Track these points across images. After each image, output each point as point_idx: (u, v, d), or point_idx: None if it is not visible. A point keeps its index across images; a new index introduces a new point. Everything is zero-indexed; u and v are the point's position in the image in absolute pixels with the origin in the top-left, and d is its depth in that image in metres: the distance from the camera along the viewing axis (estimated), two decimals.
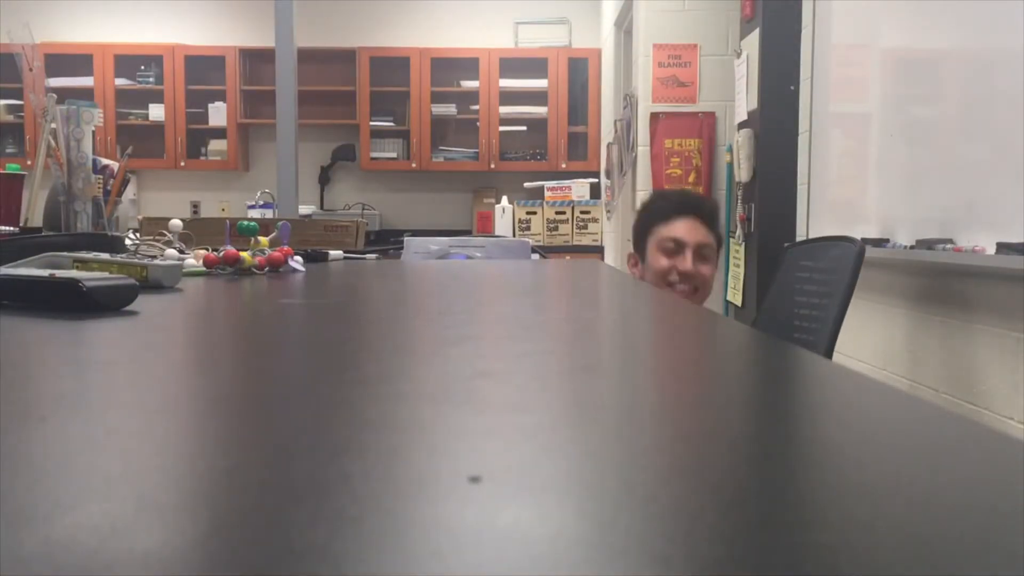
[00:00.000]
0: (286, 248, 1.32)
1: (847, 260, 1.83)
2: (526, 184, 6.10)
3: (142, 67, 6.09)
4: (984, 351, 1.90)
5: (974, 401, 1.93)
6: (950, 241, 1.98)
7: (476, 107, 6.11)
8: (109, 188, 1.50)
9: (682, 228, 2.02)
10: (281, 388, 0.35)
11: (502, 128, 6.14)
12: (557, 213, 5.89)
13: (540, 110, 6.09)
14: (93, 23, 6.26)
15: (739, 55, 3.62)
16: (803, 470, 0.24)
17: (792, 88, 3.19)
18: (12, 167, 1.57)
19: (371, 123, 6.08)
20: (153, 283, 0.86)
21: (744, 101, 3.53)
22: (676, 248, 2.01)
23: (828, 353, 1.74)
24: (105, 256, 0.88)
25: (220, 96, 6.08)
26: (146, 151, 5.95)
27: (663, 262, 2.00)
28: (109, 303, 0.65)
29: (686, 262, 1.99)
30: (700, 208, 2.09)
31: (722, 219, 2.00)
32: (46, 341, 0.49)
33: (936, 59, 2.18)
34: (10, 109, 6.09)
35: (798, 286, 2.04)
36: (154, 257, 1.16)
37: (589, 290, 1.02)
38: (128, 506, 0.19)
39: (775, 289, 2.20)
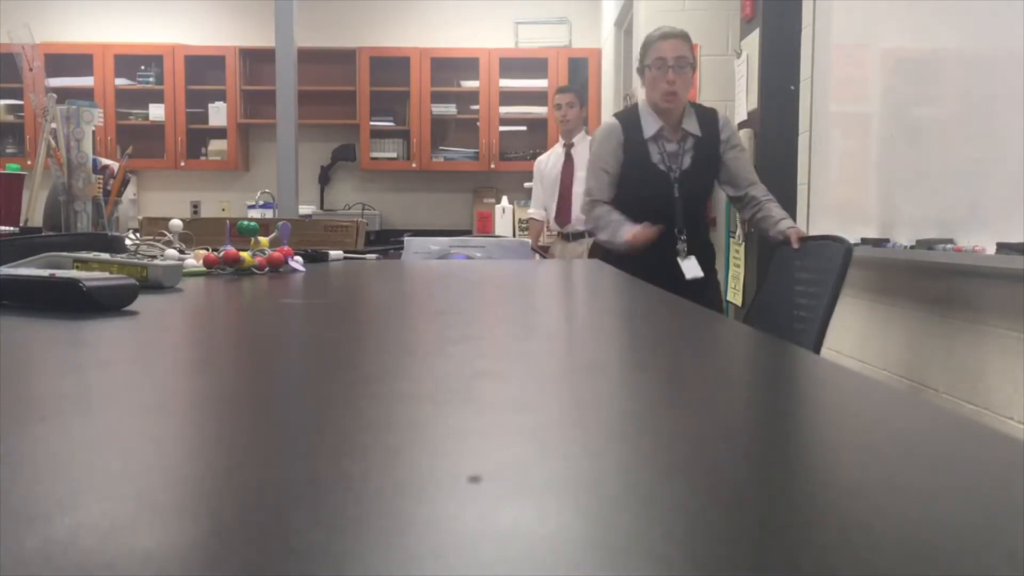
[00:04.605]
0: (286, 248, 1.32)
1: (836, 259, 1.85)
2: (526, 184, 6.09)
3: (142, 67, 6.09)
4: (984, 351, 1.90)
5: (974, 401, 1.93)
6: (950, 241, 1.98)
7: (476, 107, 6.11)
8: (109, 188, 1.50)
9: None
10: (281, 388, 0.35)
11: (502, 128, 6.14)
12: None
13: (540, 110, 6.08)
14: (93, 23, 6.26)
15: (739, 55, 3.62)
16: (803, 470, 0.24)
17: (792, 88, 3.19)
18: (12, 167, 1.57)
19: (371, 123, 6.08)
20: (153, 283, 0.86)
21: (744, 101, 3.53)
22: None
23: (816, 348, 1.76)
24: (105, 256, 0.88)
25: (220, 96, 6.08)
26: (146, 151, 5.95)
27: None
28: (109, 303, 0.65)
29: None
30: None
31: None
32: (46, 341, 0.49)
33: (936, 59, 2.18)
34: (10, 109, 6.09)
35: (789, 284, 2.05)
36: (154, 257, 1.16)
37: (589, 290, 1.02)
38: (128, 506, 0.19)
39: (766, 286, 2.21)
